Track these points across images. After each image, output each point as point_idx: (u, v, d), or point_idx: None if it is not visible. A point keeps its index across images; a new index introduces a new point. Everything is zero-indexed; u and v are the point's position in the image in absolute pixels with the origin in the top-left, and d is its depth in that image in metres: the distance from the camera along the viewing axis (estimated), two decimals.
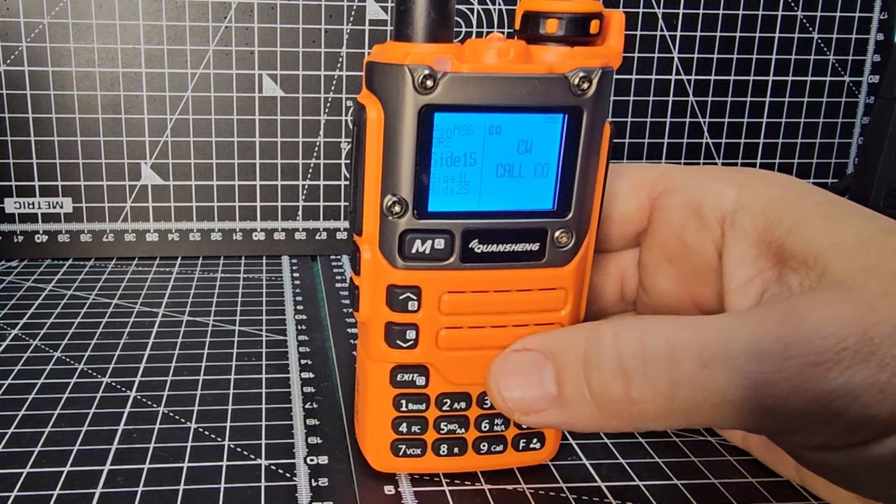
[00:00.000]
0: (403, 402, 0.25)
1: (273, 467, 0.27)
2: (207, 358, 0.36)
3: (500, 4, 0.51)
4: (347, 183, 0.51)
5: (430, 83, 0.21)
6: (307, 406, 0.31)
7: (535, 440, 0.26)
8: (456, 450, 0.26)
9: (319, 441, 0.29)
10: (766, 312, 0.20)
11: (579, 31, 0.22)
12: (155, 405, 0.31)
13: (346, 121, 0.51)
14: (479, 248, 0.23)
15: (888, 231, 0.21)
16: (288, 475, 0.27)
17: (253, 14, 0.49)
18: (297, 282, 0.47)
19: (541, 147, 0.23)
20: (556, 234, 0.23)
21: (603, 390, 0.21)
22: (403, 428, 0.25)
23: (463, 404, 0.25)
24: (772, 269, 0.23)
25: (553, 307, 0.24)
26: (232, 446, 0.28)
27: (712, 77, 0.54)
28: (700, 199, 0.25)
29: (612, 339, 0.21)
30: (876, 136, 0.45)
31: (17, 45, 0.47)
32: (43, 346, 0.37)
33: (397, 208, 0.22)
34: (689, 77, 0.54)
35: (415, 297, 0.24)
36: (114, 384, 0.33)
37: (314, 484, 0.26)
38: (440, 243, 0.23)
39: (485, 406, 0.25)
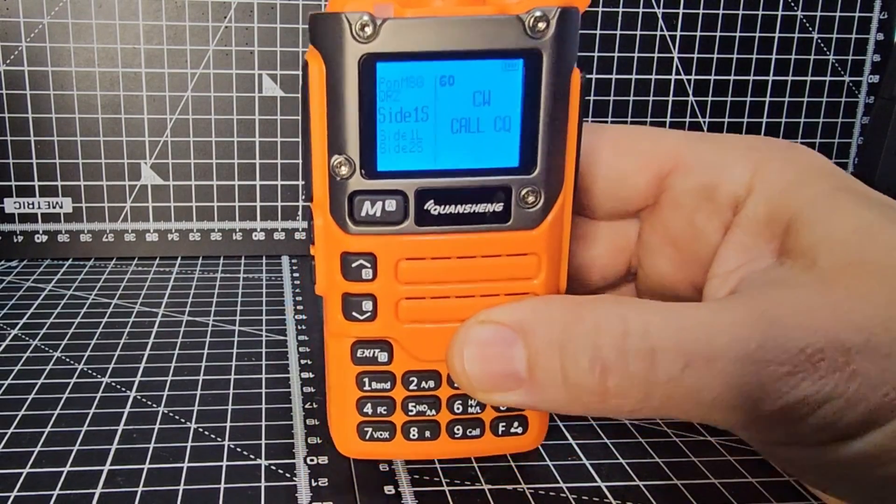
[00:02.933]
0: (366, 380, 0.24)
1: (273, 467, 0.27)
2: (207, 358, 0.36)
3: None
4: None
5: (369, 30, 0.20)
6: (307, 406, 0.31)
7: (516, 424, 0.24)
8: (427, 433, 0.24)
9: (319, 441, 0.29)
10: (746, 310, 0.20)
11: None
12: (155, 405, 0.31)
13: None
14: (435, 210, 0.21)
15: (887, 220, 0.20)
16: (288, 475, 0.27)
17: (253, 14, 0.49)
18: (297, 282, 0.47)
19: (500, 98, 0.21)
20: (522, 192, 0.21)
21: (578, 379, 0.20)
22: (368, 409, 0.24)
23: (431, 383, 0.24)
24: (765, 259, 0.22)
25: (525, 275, 0.22)
26: (232, 446, 0.28)
27: (712, 77, 0.54)
28: (713, 182, 0.24)
29: (593, 327, 0.20)
30: (876, 136, 0.45)
31: (17, 45, 0.47)
32: (43, 346, 0.37)
33: (344, 169, 0.21)
34: (689, 77, 0.54)
35: (369, 265, 0.22)
36: (114, 384, 0.33)
37: (314, 484, 0.26)
38: (391, 205, 0.21)
39: (456, 385, 0.24)
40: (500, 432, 0.25)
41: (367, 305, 0.23)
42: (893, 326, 0.19)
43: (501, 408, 0.24)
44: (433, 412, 0.24)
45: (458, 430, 0.24)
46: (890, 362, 0.18)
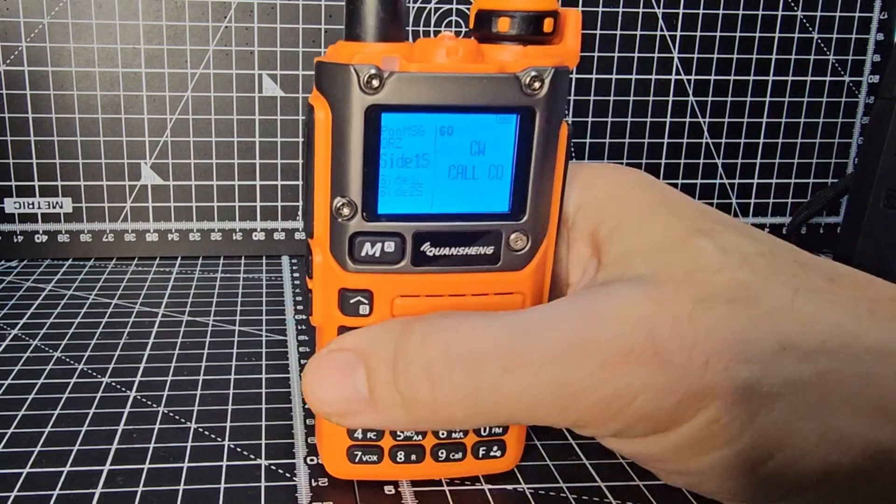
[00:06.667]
0: None
1: (273, 467, 0.27)
2: (207, 358, 0.36)
3: None
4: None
5: (376, 83, 0.21)
6: (307, 406, 0.31)
7: (495, 448, 0.26)
8: (413, 457, 0.25)
9: None
10: (568, 310, 0.21)
11: (532, 29, 0.21)
12: (155, 405, 0.31)
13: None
14: (430, 252, 0.23)
15: (694, 231, 0.21)
16: (288, 475, 0.27)
17: (253, 14, 0.49)
18: (297, 282, 0.47)
19: (494, 148, 0.22)
20: (512, 237, 0.23)
21: (411, 393, 0.21)
22: (359, 434, 0.25)
23: None
24: (595, 269, 0.24)
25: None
26: (232, 446, 0.28)
27: (712, 77, 0.54)
28: None
29: (420, 342, 0.21)
30: (876, 136, 0.45)
31: (17, 45, 0.47)
32: (43, 346, 0.37)
33: (346, 210, 0.22)
34: (689, 77, 0.54)
35: (366, 301, 0.23)
36: (114, 384, 0.33)
37: (314, 484, 0.26)
38: (390, 246, 0.22)
39: None
40: (479, 455, 0.26)
41: None
42: (699, 316, 0.20)
43: (482, 432, 0.26)
44: (420, 437, 0.25)
45: (441, 453, 0.26)
46: (694, 353, 0.19)
